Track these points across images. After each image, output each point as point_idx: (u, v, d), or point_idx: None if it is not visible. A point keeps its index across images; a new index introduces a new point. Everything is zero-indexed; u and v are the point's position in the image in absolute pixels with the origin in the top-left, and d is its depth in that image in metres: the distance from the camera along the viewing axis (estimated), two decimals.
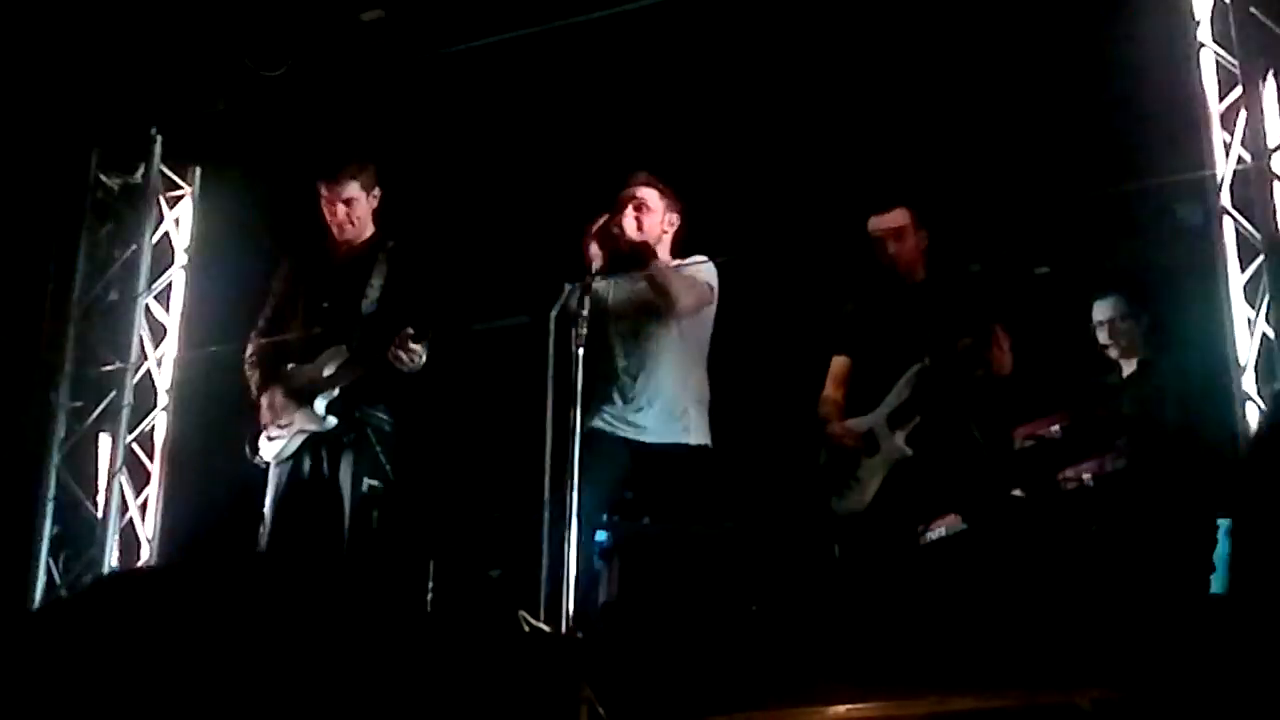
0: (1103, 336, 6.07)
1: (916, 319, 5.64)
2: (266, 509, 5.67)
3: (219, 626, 4.31)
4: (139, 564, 7.02)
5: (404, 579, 5.83)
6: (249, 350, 5.87)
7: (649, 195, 5.56)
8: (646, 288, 5.50)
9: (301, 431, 5.64)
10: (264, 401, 5.72)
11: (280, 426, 5.65)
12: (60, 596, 6.64)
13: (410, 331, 5.43)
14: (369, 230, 5.83)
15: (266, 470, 5.71)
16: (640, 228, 5.50)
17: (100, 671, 4.02)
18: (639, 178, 5.60)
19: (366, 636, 4.34)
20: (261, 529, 5.64)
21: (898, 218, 5.75)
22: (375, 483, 5.57)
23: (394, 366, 5.49)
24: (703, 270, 5.56)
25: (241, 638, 4.41)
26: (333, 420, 5.59)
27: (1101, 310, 6.07)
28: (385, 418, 5.68)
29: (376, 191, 5.82)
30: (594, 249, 5.38)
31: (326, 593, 5.15)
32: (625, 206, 5.52)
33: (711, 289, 5.54)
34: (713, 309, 5.58)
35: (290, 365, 5.70)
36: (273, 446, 5.67)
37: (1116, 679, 3.67)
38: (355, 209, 5.78)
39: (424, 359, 5.52)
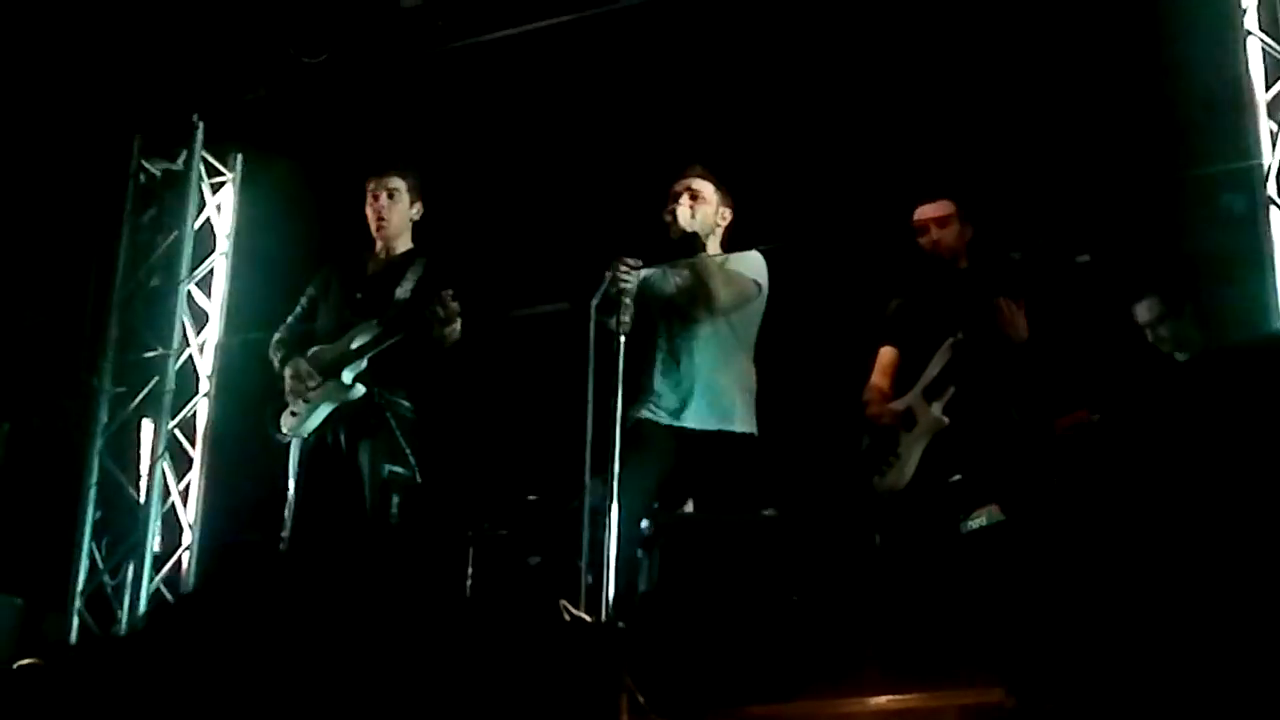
0: (1151, 336, 6.06)
1: (956, 302, 5.64)
2: (290, 489, 5.71)
3: (260, 620, 4.34)
4: (181, 549, 7.07)
5: (437, 565, 5.85)
6: (276, 336, 5.94)
7: (704, 187, 5.57)
8: (695, 276, 5.50)
9: (326, 403, 5.68)
10: (289, 377, 5.77)
11: (305, 401, 5.70)
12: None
13: (450, 291, 5.48)
14: (407, 242, 5.91)
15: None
16: (693, 217, 5.50)
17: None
18: (694, 169, 5.60)
19: (405, 624, 4.35)
20: (286, 510, 5.68)
21: (943, 207, 5.76)
22: (397, 469, 5.59)
23: (426, 335, 5.53)
24: (750, 265, 5.55)
25: (281, 627, 4.44)
26: (360, 389, 5.63)
27: (1142, 312, 6.06)
28: (407, 404, 5.71)
29: (419, 206, 5.90)
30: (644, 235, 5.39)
31: (365, 579, 5.18)
32: (680, 196, 5.53)
33: (758, 285, 5.53)
34: (761, 302, 5.57)
35: (318, 347, 5.76)
36: (294, 421, 5.70)
37: (1157, 669, 3.66)
38: (398, 203, 5.86)
39: (459, 326, 5.55)
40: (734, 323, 5.52)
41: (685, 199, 5.53)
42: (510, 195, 7.09)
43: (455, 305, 5.51)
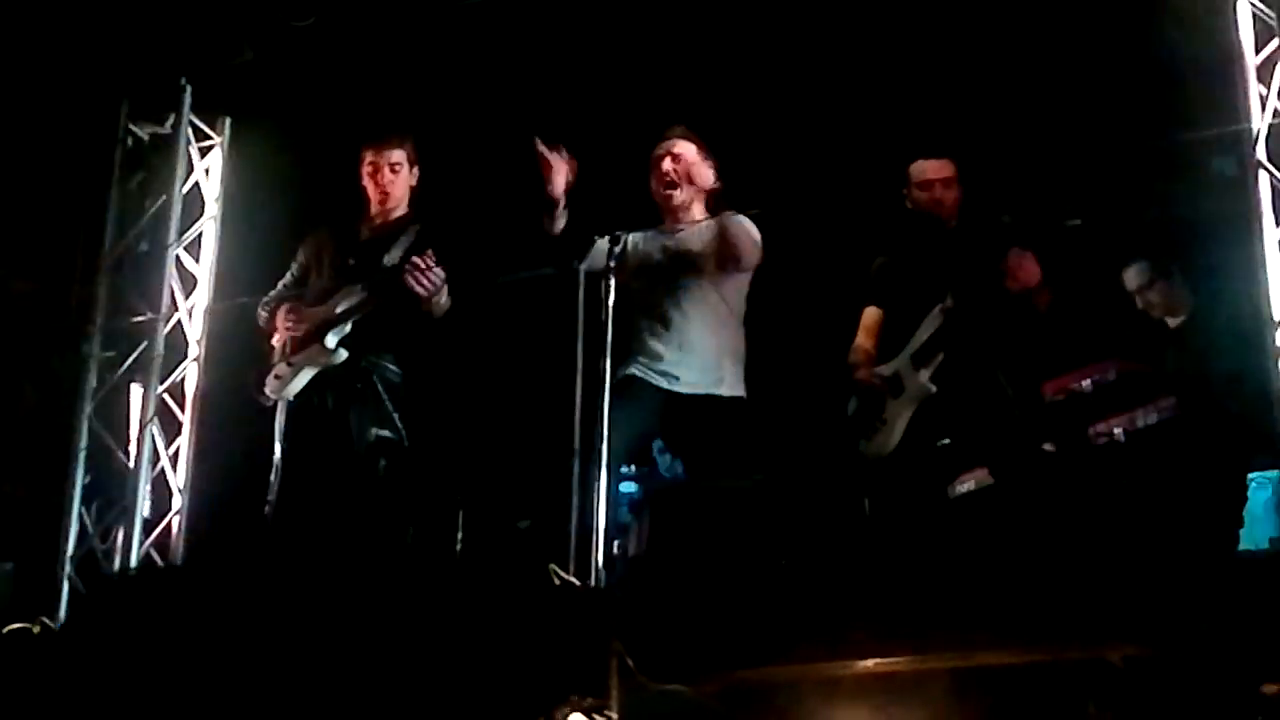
0: (1140, 302, 6.06)
1: (945, 265, 5.64)
2: (276, 453, 5.72)
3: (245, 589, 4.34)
4: (170, 513, 7.06)
5: (424, 529, 5.87)
6: (265, 299, 5.95)
7: (686, 149, 5.56)
8: (683, 241, 5.50)
9: (310, 367, 5.70)
10: (275, 341, 5.80)
11: (289, 364, 5.72)
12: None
13: (432, 254, 5.48)
14: (404, 208, 5.92)
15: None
16: (678, 186, 5.50)
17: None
18: (675, 130, 5.59)
19: (394, 590, 4.36)
20: (272, 475, 5.69)
21: (944, 167, 5.74)
22: (384, 432, 5.61)
23: (408, 297, 5.54)
24: (746, 233, 5.54)
25: (268, 590, 4.45)
26: (343, 353, 5.65)
27: (1131, 278, 6.07)
28: (394, 369, 5.73)
29: (416, 171, 5.91)
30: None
31: (354, 545, 5.19)
32: (663, 161, 5.52)
33: (756, 244, 5.52)
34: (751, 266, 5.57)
35: (305, 309, 5.77)
36: (278, 385, 5.72)
37: (1147, 635, 3.67)
38: (401, 175, 5.87)
39: (444, 296, 5.56)
40: (722, 286, 5.52)
41: (668, 163, 5.52)
42: (502, 159, 7.07)
43: (439, 272, 5.51)
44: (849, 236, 6.36)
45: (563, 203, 5.27)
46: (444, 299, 5.62)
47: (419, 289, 5.52)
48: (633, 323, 5.39)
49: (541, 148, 5.21)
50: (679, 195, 5.54)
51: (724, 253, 5.46)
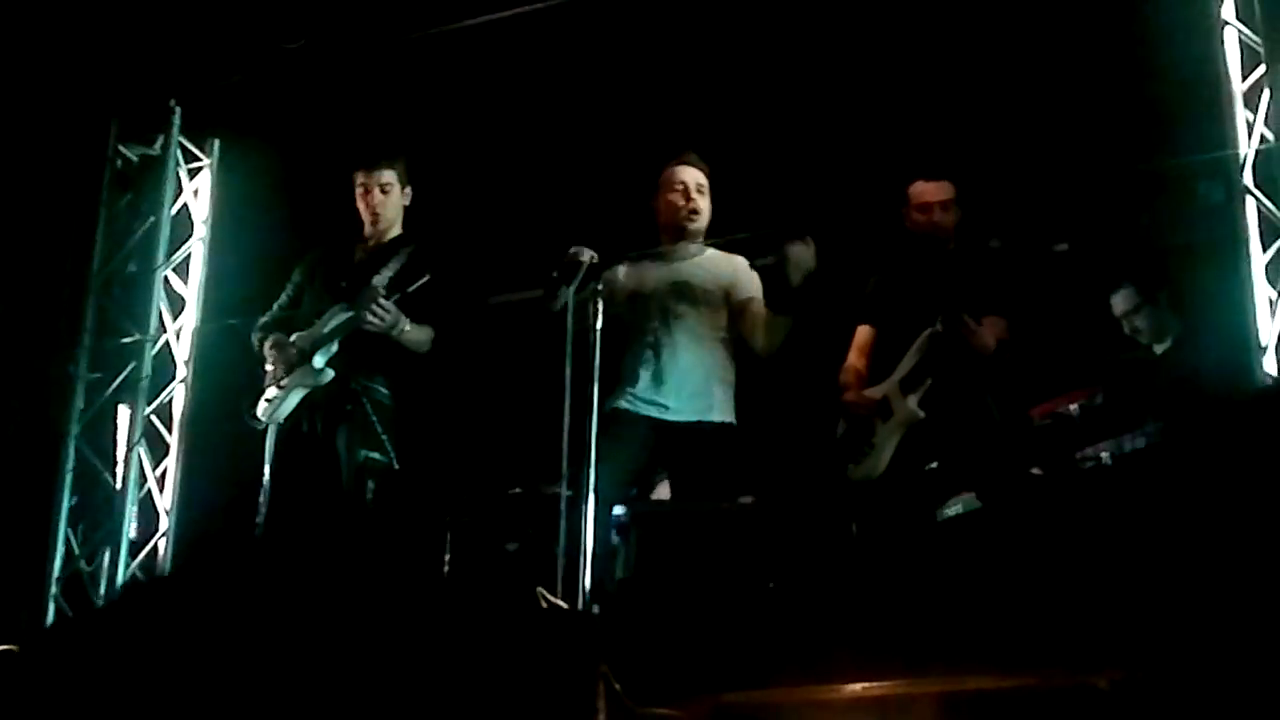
0: (1127, 328, 6.07)
1: (938, 288, 5.63)
2: (265, 475, 5.71)
3: (233, 604, 4.33)
4: (157, 535, 7.05)
5: (413, 552, 5.86)
6: (260, 320, 5.95)
7: (700, 177, 5.57)
8: (679, 271, 5.52)
9: (299, 388, 5.69)
10: (268, 362, 5.80)
11: (280, 387, 5.71)
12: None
13: (383, 289, 5.50)
14: (397, 229, 5.92)
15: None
16: (699, 211, 5.55)
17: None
18: (692, 158, 5.59)
19: (380, 611, 4.35)
20: (260, 496, 5.68)
21: (942, 190, 5.72)
22: (373, 454, 5.60)
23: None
24: (749, 274, 5.58)
25: (255, 612, 4.43)
26: (330, 373, 5.64)
27: (1118, 304, 6.08)
28: (384, 391, 5.72)
29: (409, 190, 5.91)
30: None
31: (339, 565, 5.17)
32: (688, 189, 5.52)
33: (760, 286, 5.55)
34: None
35: (297, 333, 5.78)
36: (269, 408, 5.71)
37: (1133, 660, 3.67)
38: (391, 196, 5.87)
39: (404, 325, 5.57)
40: (716, 316, 5.53)
41: (694, 192, 5.53)
42: (494, 181, 7.09)
43: (387, 305, 5.52)
44: (846, 258, 6.37)
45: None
46: (405, 328, 5.62)
47: (370, 324, 5.56)
48: (622, 351, 5.40)
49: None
50: (697, 221, 5.56)
51: (732, 292, 5.50)
